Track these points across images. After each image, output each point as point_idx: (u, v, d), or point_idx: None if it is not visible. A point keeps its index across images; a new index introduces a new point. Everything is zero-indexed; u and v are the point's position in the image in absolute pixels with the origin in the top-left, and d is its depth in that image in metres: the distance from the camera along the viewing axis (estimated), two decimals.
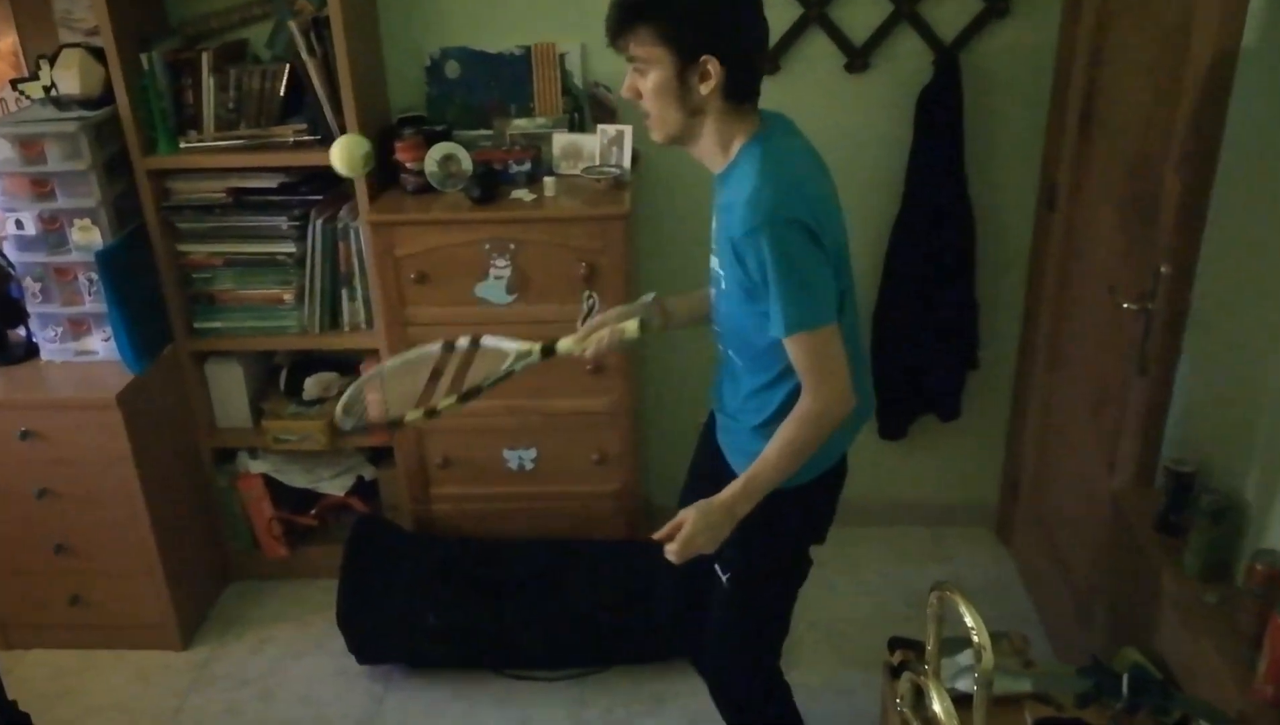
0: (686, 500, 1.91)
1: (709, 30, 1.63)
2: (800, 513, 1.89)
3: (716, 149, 1.73)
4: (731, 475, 1.79)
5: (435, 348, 1.96)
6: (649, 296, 1.91)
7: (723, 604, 1.97)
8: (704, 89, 1.65)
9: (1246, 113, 1.82)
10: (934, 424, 3.04)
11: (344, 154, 2.19)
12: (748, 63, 1.68)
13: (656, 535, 1.79)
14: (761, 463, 1.74)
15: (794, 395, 1.75)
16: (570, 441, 2.72)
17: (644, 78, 1.67)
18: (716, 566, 1.90)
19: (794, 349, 1.68)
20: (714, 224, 1.81)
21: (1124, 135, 2.26)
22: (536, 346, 1.87)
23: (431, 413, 1.83)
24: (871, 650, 2.62)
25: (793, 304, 1.63)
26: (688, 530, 1.73)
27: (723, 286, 1.79)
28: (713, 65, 1.63)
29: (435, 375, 1.93)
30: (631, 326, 1.85)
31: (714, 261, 1.83)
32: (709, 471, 1.98)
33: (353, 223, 2.71)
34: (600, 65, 2.73)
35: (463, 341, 1.94)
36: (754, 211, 1.62)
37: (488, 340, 1.94)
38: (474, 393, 1.85)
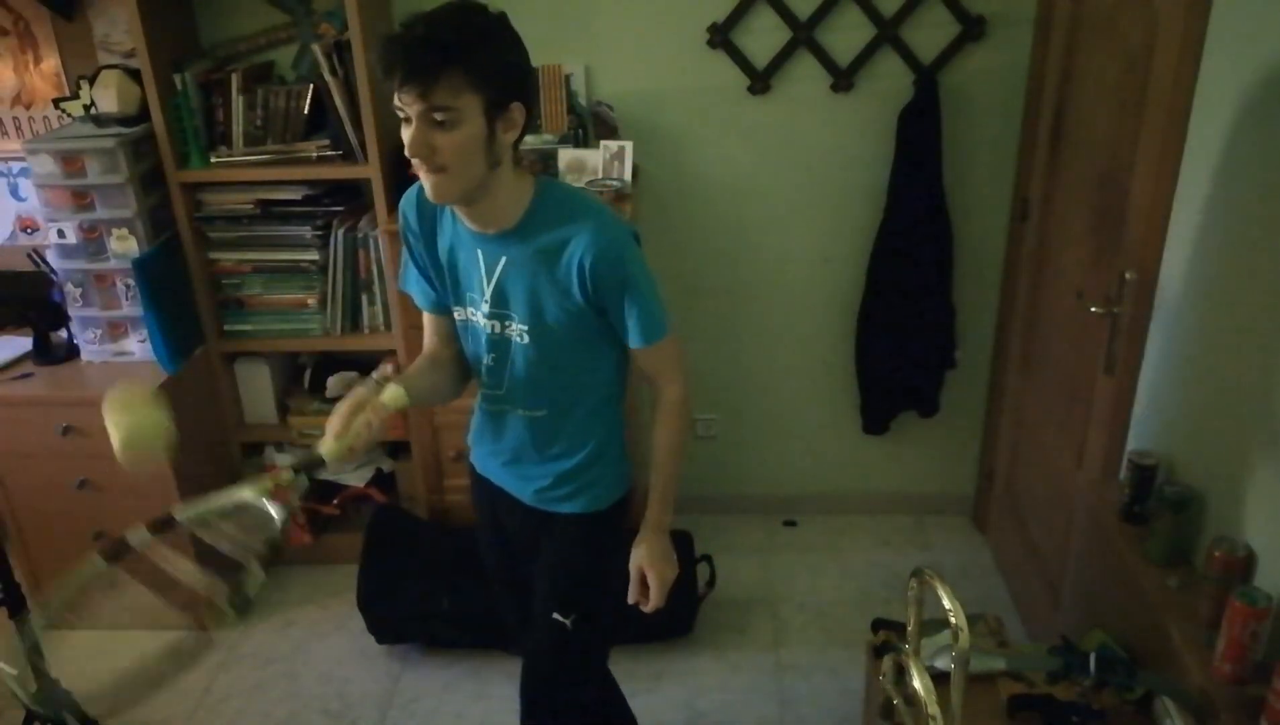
0: (521, 608, 1.82)
1: (516, 75, 1.44)
2: (620, 526, 1.80)
3: (508, 203, 1.52)
4: (564, 532, 1.74)
5: (100, 564, 1.42)
6: (387, 368, 1.65)
7: (562, 645, 1.77)
8: (508, 138, 1.45)
9: (1205, 128, 1.82)
10: (914, 420, 3.04)
11: (126, 431, 1.45)
12: (536, 110, 1.53)
13: (631, 600, 1.74)
14: (664, 469, 1.70)
15: (616, 410, 1.73)
16: None
17: (446, 130, 1.37)
18: (556, 615, 1.74)
19: (657, 351, 1.61)
20: (497, 282, 1.57)
21: (1091, 150, 2.26)
22: (287, 473, 1.48)
23: (244, 600, 1.41)
24: (857, 631, 2.62)
25: (657, 310, 1.58)
26: (656, 577, 1.71)
27: (523, 340, 1.59)
28: (519, 112, 1.44)
29: (166, 588, 1.47)
30: (397, 396, 1.53)
31: (492, 323, 1.60)
32: (525, 554, 1.81)
33: (372, 232, 2.71)
34: (603, 86, 2.73)
35: (137, 538, 1.42)
36: (608, 236, 1.51)
37: (188, 510, 1.47)
38: (275, 550, 1.47)
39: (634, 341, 1.60)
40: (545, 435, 1.70)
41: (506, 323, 1.60)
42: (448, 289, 1.66)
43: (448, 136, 1.38)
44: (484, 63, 1.37)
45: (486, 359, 1.65)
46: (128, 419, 1.47)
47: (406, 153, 1.41)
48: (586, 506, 1.74)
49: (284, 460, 1.35)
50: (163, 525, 1.41)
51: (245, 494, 1.45)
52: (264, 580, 1.35)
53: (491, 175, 1.46)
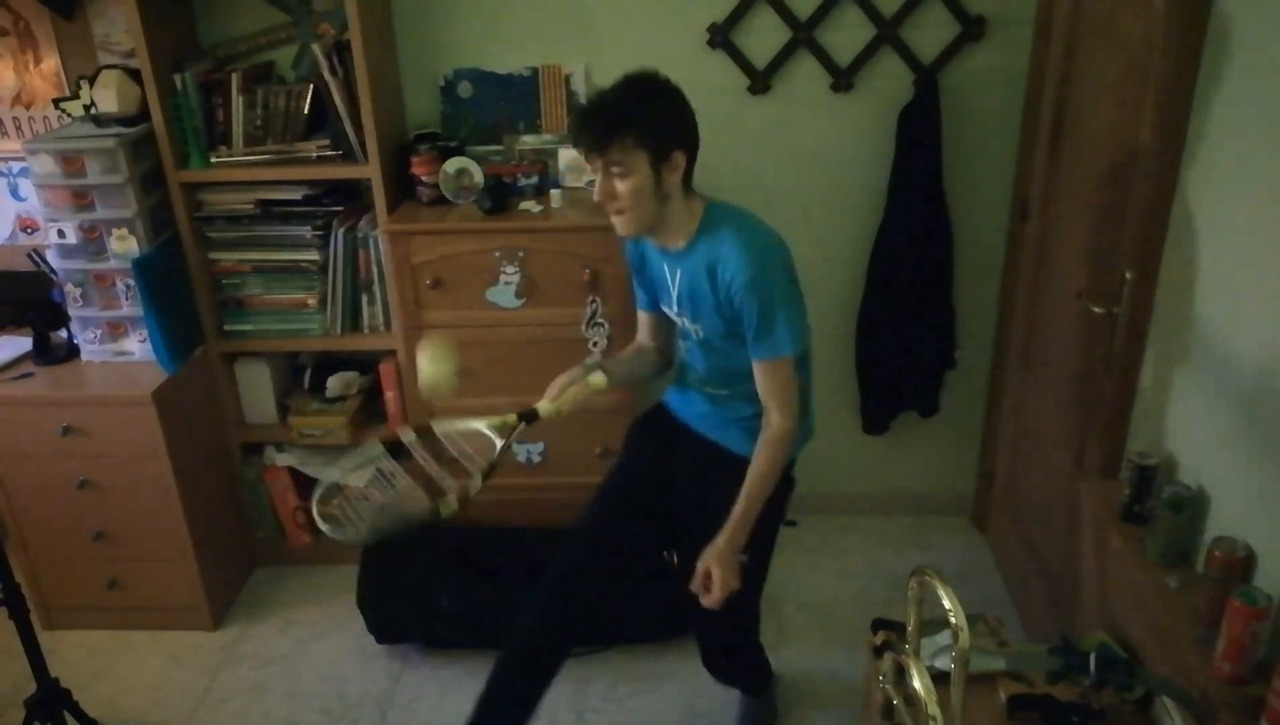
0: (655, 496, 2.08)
1: (676, 128, 1.77)
2: (785, 489, 2.04)
3: (680, 227, 1.86)
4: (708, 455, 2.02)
5: (379, 451, 1.90)
6: (593, 360, 2.03)
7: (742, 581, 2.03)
8: (673, 179, 1.78)
9: (1206, 128, 1.82)
10: (914, 420, 3.04)
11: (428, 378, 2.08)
12: (697, 148, 1.82)
13: (694, 588, 1.89)
14: (750, 495, 1.88)
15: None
16: (575, 437, 2.72)
17: (622, 180, 1.74)
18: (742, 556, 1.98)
19: (769, 369, 1.86)
20: (679, 290, 1.92)
21: (1091, 150, 2.26)
22: (513, 417, 1.90)
23: (465, 499, 1.85)
24: (856, 631, 2.63)
25: (783, 333, 1.83)
26: (719, 577, 1.85)
27: (698, 335, 1.94)
28: (679, 156, 1.77)
29: (418, 474, 1.89)
30: (599, 379, 1.96)
31: (681, 320, 1.98)
32: (687, 480, 2.07)
33: (372, 232, 2.71)
34: (602, 84, 2.72)
35: (408, 437, 1.90)
36: (756, 260, 1.79)
37: (442, 425, 1.91)
38: (491, 470, 1.88)
39: (753, 352, 1.86)
40: (731, 409, 2.01)
41: (686, 321, 1.96)
42: (655, 295, 2.06)
43: (623, 184, 1.75)
44: (646, 127, 1.72)
45: (683, 347, 2.05)
46: (432, 368, 2.07)
47: (595, 198, 1.80)
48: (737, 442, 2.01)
49: (409, 436, 1.93)
50: (424, 431, 1.90)
51: (481, 425, 1.89)
52: (480, 487, 1.85)
53: (663, 209, 1.81)
